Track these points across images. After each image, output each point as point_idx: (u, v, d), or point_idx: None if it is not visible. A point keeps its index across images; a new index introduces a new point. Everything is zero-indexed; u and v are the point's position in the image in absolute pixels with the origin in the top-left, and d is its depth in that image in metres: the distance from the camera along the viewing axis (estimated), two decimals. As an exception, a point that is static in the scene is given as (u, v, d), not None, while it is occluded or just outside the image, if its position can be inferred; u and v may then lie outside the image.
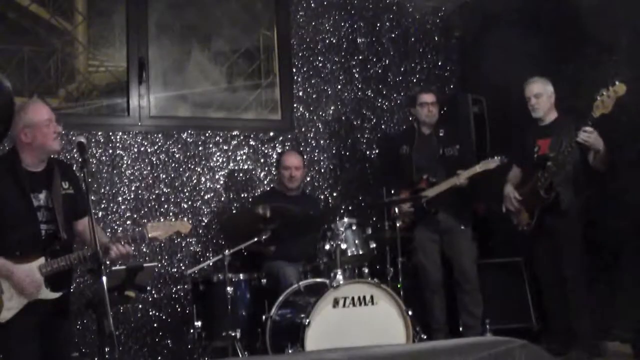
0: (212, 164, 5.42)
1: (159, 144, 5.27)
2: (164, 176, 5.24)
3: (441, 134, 5.12)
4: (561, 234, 4.57)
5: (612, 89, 4.12)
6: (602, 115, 4.17)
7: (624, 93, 4.11)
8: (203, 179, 5.37)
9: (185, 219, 5.20)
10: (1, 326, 3.33)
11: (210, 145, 5.43)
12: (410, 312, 4.15)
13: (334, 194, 5.84)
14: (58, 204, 3.49)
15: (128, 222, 5.06)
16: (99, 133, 5.08)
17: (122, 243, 3.54)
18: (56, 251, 3.44)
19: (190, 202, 5.29)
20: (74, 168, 3.87)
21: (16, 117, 3.46)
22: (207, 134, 5.42)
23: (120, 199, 5.09)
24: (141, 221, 5.03)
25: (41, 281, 3.38)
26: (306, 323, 3.91)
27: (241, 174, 5.52)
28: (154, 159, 5.23)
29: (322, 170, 5.83)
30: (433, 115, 5.16)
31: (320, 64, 5.91)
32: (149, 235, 3.60)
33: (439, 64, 6.39)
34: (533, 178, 4.63)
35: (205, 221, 5.33)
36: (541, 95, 4.68)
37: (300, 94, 5.81)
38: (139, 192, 5.15)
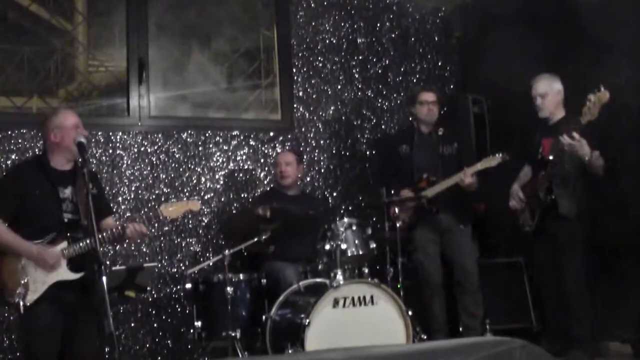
0: (212, 164, 5.42)
1: (159, 144, 5.27)
2: (164, 176, 5.24)
3: (440, 133, 5.07)
4: (561, 237, 4.56)
5: (597, 96, 4.11)
6: (589, 122, 4.17)
7: (607, 100, 4.11)
8: (203, 179, 5.37)
9: (186, 219, 5.25)
10: (26, 309, 3.52)
11: (210, 145, 5.43)
12: (410, 312, 4.15)
13: (334, 194, 5.84)
14: (82, 198, 3.75)
15: (128, 222, 5.07)
16: (99, 133, 5.08)
17: (138, 221, 3.78)
18: (78, 237, 3.67)
19: (190, 202, 5.28)
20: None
21: (47, 121, 3.83)
22: (207, 134, 5.42)
23: (120, 199, 5.08)
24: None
25: (60, 254, 3.61)
26: (306, 323, 3.91)
27: (241, 174, 5.52)
28: (154, 159, 5.23)
29: (322, 170, 5.83)
30: (433, 114, 5.13)
31: (320, 64, 5.91)
32: (163, 215, 3.81)
33: (439, 64, 6.39)
34: (535, 179, 4.63)
35: (205, 221, 5.33)
36: (547, 94, 4.64)
37: (300, 94, 5.81)
38: (139, 192, 5.15)
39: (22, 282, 3.53)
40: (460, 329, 5.05)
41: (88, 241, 3.61)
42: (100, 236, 3.61)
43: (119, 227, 3.73)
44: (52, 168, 3.80)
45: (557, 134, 4.51)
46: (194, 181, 5.33)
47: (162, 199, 5.19)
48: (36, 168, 3.81)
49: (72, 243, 3.64)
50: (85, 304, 3.69)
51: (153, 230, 5.13)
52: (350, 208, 5.83)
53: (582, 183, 4.54)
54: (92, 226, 3.25)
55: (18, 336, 4.40)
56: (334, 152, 5.89)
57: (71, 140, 3.75)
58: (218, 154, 5.44)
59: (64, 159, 3.82)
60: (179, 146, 5.32)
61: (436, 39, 6.39)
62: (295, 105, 5.78)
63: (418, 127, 5.23)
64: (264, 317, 4.22)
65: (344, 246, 4.30)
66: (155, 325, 5.06)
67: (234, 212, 5.41)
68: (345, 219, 4.43)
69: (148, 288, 4.89)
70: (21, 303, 3.50)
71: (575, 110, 4.34)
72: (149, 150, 5.23)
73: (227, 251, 4.31)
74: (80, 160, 3.60)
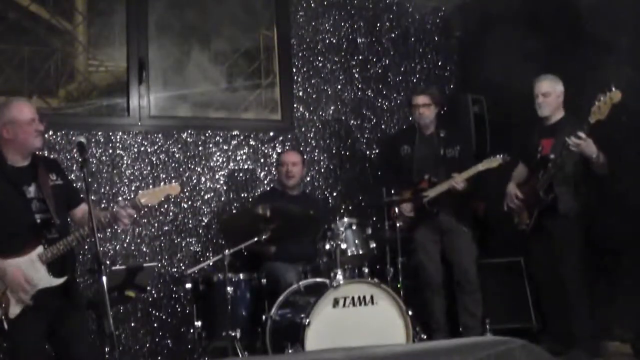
0: (212, 164, 5.42)
1: (159, 144, 5.27)
2: (164, 176, 5.24)
3: (442, 135, 5.08)
4: (559, 236, 4.57)
5: (608, 95, 4.12)
6: (598, 121, 4.18)
7: (619, 100, 4.12)
8: (203, 179, 5.37)
9: (186, 219, 5.25)
10: (11, 322, 3.34)
11: (210, 145, 5.43)
12: (410, 312, 4.15)
13: (334, 194, 5.84)
14: (48, 194, 3.55)
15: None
16: (99, 133, 5.08)
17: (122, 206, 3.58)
18: (53, 238, 3.48)
19: (190, 202, 5.29)
20: (73, 168, 3.92)
21: None
22: (207, 134, 5.42)
23: (120, 199, 5.06)
24: (141, 221, 5.05)
25: (37, 275, 3.40)
26: (306, 323, 3.91)
27: (241, 174, 5.52)
28: (154, 159, 5.23)
29: (322, 170, 5.83)
30: (425, 117, 5.10)
31: (320, 64, 5.91)
32: (141, 203, 3.62)
33: (439, 64, 6.39)
34: (534, 178, 4.63)
35: (205, 221, 5.33)
36: (549, 94, 4.65)
37: (300, 94, 5.81)
38: (139, 192, 5.11)
39: (1, 294, 3.33)
40: (460, 328, 5.06)
41: (66, 240, 3.44)
42: (81, 231, 3.46)
43: (110, 218, 3.54)
44: (10, 166, 3.54)
45: (557, 134, 4.53)
46: (194, 181, 5.34)
47: (162, 199, 5.17)
48: None
49: (48, 246, 3.44)
50: (70, 306, 3.56)
51: (153, 230, 5.14)
52: (350, 208, 5.83)
53: (583, 182, 4.55)
54: (91, 226, 3.13)
55: (4, 348, 4.01)
56: (334, 152, 5.89)
57: (27, 136, 3.50)
58: (218, 154, 5.44)
59: (19, 156, 3.56)
60: (179, 146, 5.32)
61: (436, 39, 6.40)
62: (295, 105, 5.78)
63: (420, 128, 5.22)
64: (264, 317, 4.21)
65: (344, 246, 4.30)
66: (155, 325, 5.06)
67: (234, 211, 5.42)
68: (345, 219, 4.43)
69: (148, 288, 4.89)
70: (4, 318, 3.31)
71: (575, 110, 4.34)
72: (149, 150, 5.22)
73: (227, 251, 4.30)
74: (80, 160, 3.39)
